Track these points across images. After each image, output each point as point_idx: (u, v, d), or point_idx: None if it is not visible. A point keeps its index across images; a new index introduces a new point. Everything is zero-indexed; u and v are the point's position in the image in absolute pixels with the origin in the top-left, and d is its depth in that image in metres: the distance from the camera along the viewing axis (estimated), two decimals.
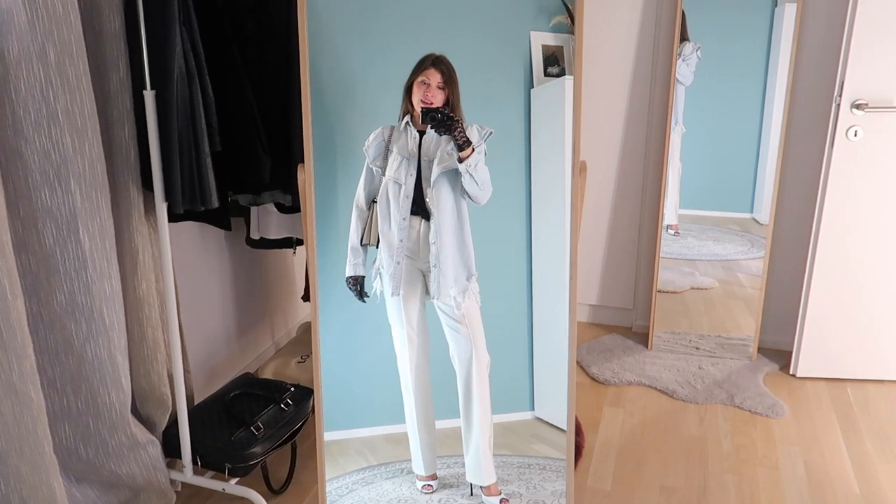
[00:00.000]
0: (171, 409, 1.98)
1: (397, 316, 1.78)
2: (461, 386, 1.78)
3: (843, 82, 2.52)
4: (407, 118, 1.68)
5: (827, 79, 2.70)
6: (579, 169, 1.62)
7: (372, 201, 1.73)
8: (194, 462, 1.96)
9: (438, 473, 1.85)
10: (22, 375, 1.51)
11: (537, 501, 1.80)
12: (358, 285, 1.75)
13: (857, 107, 2.51)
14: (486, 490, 1.81)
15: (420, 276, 1.76)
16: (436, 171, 1.68)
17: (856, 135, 2.54)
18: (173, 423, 1.97)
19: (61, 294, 1.65)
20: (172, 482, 1.99)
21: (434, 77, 1.65)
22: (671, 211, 3.03)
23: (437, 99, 1.65)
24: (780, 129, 2.78)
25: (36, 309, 1.65)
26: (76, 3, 1.54)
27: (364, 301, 1.75)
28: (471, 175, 1.65)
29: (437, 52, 1.66)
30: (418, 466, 1.84)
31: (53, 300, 1.65)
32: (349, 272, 1.75)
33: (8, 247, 1.46)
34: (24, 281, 1.60)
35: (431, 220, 1.70)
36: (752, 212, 2.99)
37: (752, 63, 2.85)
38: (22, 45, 1.47)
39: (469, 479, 1.82)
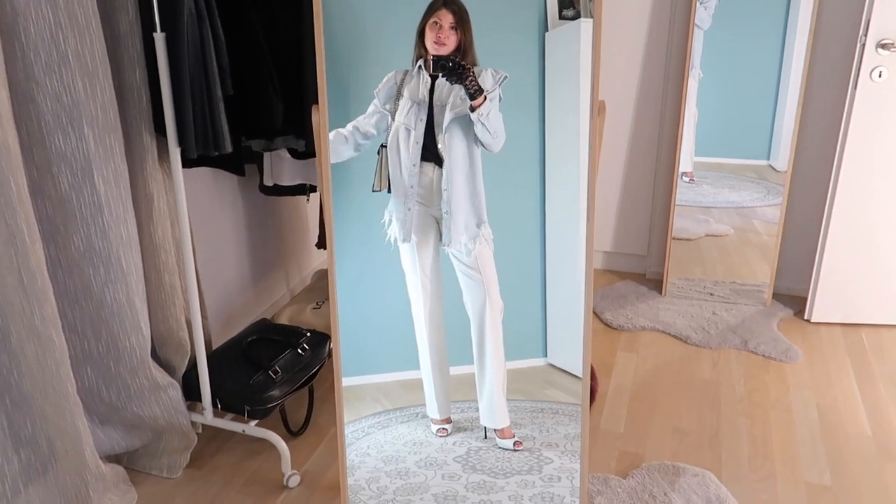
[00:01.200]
0: (189, 353, 2.01)
1: (411, 263, 1.78)
2: (475, 331, 1.79)
3: (868, 20, 2.44)
4: (420, 62, 1.65)
5: (852, 17, 2.62)
6: (598, 109, 1.59)
7: (382, 146, 1.71)
8: (214, 405, 2.00)
9: (453, 417, 1.87)
10: (44, 319, 1.53)
11: (550, 444, 1.83)
12: None
13: (883, 46, 2.44)
14: (500, 433, 1.84)
15: (433, 223, 1.75)
16: (448, 116, 1.65)
17: (880, 76, 2.48)
18: (192, 367, 2.00)
19: (78, 239, 1.66)
20: (193, 424, 2.03)
21: (446, 18, 1.61)
22: (686, 158, 2.99)
23: (450, 40, 1.61)
24: (800, 73, 2.72)
25: (54, 254, 1.66)
26: None
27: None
28: (483, 124, 1.63)
29: None
30: (433, 410, 1.86)
31: (71, 245, 1.66)
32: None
33: (24, 191, 1.47)
34: (41, 226, 1.61)
35: (444, 167, 1.68)
36: (768, 159, 2.95)
37: (773, 4, 2.77)
38: None
39: (483, 422, 1.85)
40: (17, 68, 1.50)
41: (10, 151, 1.42)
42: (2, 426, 1.59)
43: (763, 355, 2.61)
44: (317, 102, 1.61)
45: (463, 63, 1.60)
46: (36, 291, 1.51)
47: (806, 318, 2.85)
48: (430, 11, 1.62)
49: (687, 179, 3.03)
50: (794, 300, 2.98)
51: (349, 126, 1.67)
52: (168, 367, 1.99)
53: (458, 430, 1.87)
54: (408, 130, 1.67)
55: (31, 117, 1.54)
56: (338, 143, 1.65)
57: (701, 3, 2.79)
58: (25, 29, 1.47)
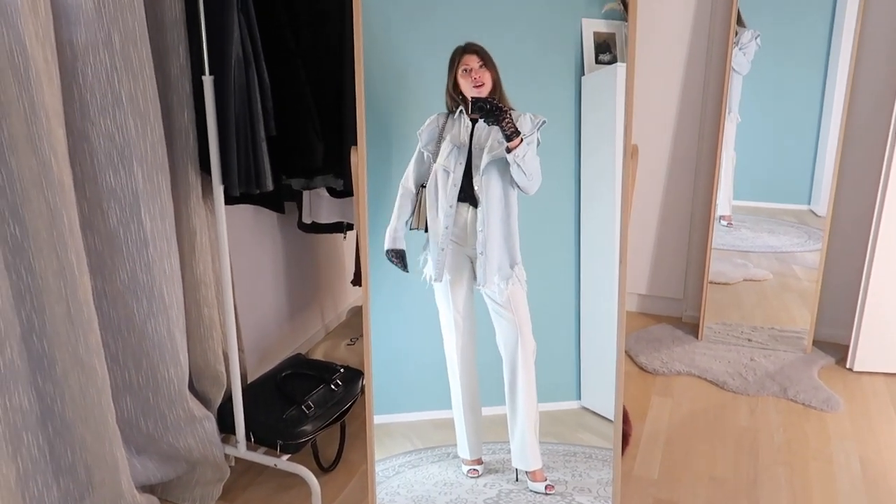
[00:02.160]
0: (225, 386, 2.04)
1: (444, 301, 1.79)
2: (507, 371, 1.79)
3: None
4: (461, 108, 1.70)
5: (891, 64, 2.60)
6: (631, 153, 1.61)
7: (421, 186, 1.75)
8: (247, 438, 2.02)
9: (484, 459, 1.86)
10: (88, 349, 1.58)
11: (583, 489, 1.80)
12: (399, 258, 1.76)
13: None
14: (532, 475, 1.82)
15: (468, 263, 1.77)
16: (485, 159, 1.68)
17: None
18: (227, 400, 2.03)
19: (124, 272, 1.72)
20: (227, 457, 2.05)
21: (473, 61, 1.66)
22: (725, 202, 2.97)
23: (486, 78, 1.66)
24: (840, 118, 2.70)
25: (100, 286, 1.72)
26: None
27: (407, 271, 1.76)
28: (519, 165, 1.66)
29: (462, 43, 1.66)
30: (464, 451, 1.85)
31: (117, 278, 1.72)
32: (388, 245, 1.75)
33: (76, 226, 1.53)
34: (89, 259, 1.67)
35: (479, 208, 1.71)
36: (809, 203, 2.91)
37: (813, 50, 2.77)
38: (89, 32, 1.53)
39: (515, 464, 1.83)
40: (74, 108, 1.58)
41: (65, 187, 1.49)
42: (44, 453, 1.63)
43: (803, 404, 2.55)
44: (356, 144, 1.66)
45: (500, 105, 1.64)
46: (82, 322, 1.56)
47: (848, 366, 2.78)
48: (455, 62, 1.67)
49: (725, 223, 3.00)
50: (835, 348, 2.91)
51: (409, 177, 1.73)
52: (204, 400, 2.02)
53: (489, 471, 1.85)
54: (446, 172, 1.71)
55: (85, 155, 1.61)
56: (405, 198, 1.74)
57: (739, 49, 2.80)
58: (83, 72, 1.56)
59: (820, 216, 2.85)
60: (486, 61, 1.66)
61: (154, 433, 1.88)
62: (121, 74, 1.59)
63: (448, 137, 1.70)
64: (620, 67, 1.68)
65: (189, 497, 2.03)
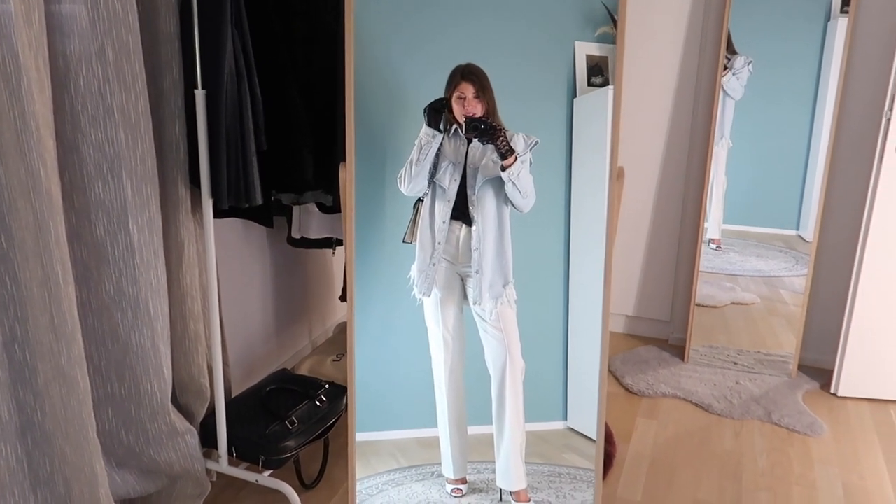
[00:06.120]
0: (209, 400, 2.03)
1: (434, 318, 1.79)
2: (495, 390, 1.79)
3: (893, 96, 2.47)
4: (455, 126, 1.71)
5: (877, 93, 2.64)
6: (616, 174, 1.62)
7: (419, 200, 1.76)
8: (230, 453, 2.01)
9: (469, 478, 1.85)
10: (70, 360, 1.56)
11: None
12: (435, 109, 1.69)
13: None
14: (516, 496, 1.81)
15: (458, 280, 1.77)
16: (480, 178, 1.70)
17: None
18: (211, 414, 2.02)
19: (110, 284, 1.71)
20: (208, 472, 2.04)
21: (468, 90, 1.67)
22: (714, 225, 3.00)
23: (477, 109, 1.68)
24: (827, 145, 2.74)
25: (85, 297, 1.71)
26: (135, 4, 1.60)
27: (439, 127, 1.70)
28: (513, 183, 1.67)
29: (464, 62, 1.67)
30: (448, 469, 1.85)
31: (102, 289, 1.71)
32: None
33: (62, 237, 1.52)
34: (75, 270, 1.66)
35: (474, 227, 1.72)
36: (797, 229, 2.94)
37: (803, 78, 2.81)
38: (83, 44, 1.54)
39: (499, 483, 1.83)
40: (64, 119, 1.58)
41: (52, 198, 1.48)
42: (22, 464, 1.61)
43: (787, 428, 2.55)
44: (345, 160, 1.66)
45: (494, 124, 1.65)
46: (65, 332, 1.55)
47: (832, 391, 2.79)
48: (451, 85, 1.68)
49: (714, 246, 3.02)
50: (820, 373, 2.93)
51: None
52: (187, 413, 2.01)
53: (473, 490, 1.85)
54: (442, 189, 1.72)
55: (75, 166, 1.61)
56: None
57: (733, 73, 2.84)
58: (76, 83, 1.56)
59: (808, 241, 2.88)
60: (482, 89, 1.67)
61: (135, 446, 1.86)
62: (113, 87, 1.59)
63: (444, 154, 1.71)
64: (612, 90, 1.70)
65: None
